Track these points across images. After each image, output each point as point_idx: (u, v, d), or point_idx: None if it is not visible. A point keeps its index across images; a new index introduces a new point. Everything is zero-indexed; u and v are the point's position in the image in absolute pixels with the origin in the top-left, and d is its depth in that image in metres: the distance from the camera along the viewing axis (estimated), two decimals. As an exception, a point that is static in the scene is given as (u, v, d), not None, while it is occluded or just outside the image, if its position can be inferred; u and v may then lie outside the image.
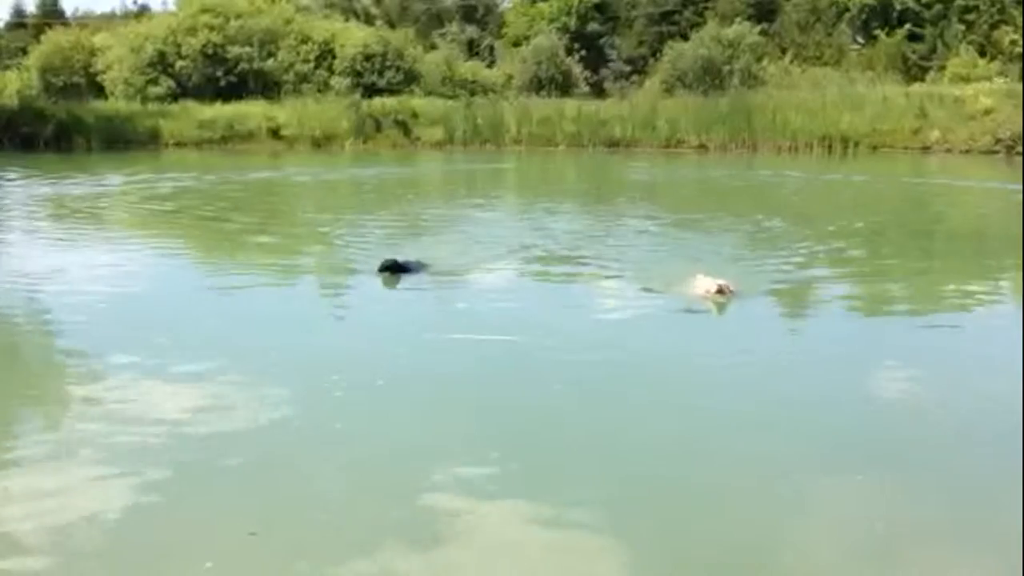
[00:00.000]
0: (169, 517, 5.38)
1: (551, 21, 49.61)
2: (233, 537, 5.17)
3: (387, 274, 10.85)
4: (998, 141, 31.02)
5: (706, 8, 47.87)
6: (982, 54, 40.18)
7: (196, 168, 28.83)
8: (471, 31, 52.88)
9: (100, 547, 5.04)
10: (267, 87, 39.88)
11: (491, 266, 12.21)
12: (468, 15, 54.98)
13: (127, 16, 53.68)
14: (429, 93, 39.62)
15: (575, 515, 5.35)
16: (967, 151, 31.43)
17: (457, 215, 18.04)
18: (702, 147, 33.94)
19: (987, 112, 32.10)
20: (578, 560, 4.93)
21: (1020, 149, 29.95)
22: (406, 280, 10.82)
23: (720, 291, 9.67)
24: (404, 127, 36.49)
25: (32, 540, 5.05)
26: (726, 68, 39.47)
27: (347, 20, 46.74)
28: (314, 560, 4.87)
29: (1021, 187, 20.17)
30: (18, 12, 57.79)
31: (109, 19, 54.72)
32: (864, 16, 45.02)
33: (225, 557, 4.96)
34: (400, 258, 11.16)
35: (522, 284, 11.62)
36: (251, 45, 40.53)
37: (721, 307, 9.68)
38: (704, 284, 9.91)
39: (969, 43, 41.32)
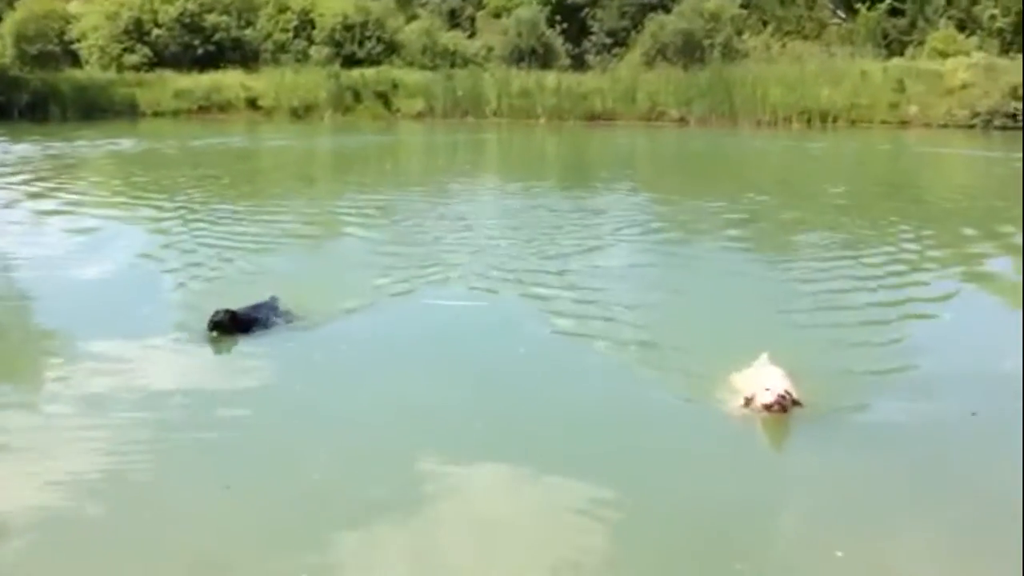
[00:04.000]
0: (149, 472, 5.56)
1: (533, -8, 49.15)
2: (210, 493, 5.33)
3: (217, 333, 7.76)
4: (976, 115, 31.16)
5: (688, -20, 47.54)
6: (961, 29, 40.20)
7: (148, 135, 28.82)
8: (452, 1, 52.39)
9: (79, 499, 5.25)
10: (245, 56, 39.44)
11: (400, 310, 8.99)
12: (449, -15, 54.39)
13: (103, -17, 52.64)
14: (409, 64, 39.29)
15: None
16: (944, 125, 31.57)
17: (410, 203, 15.97)
18: (682, 120, 33.95)
19: (964, 87, 32.20)
20: (563, 521, 5.05)
21: (997, 123, 30.22)
22: (246, 344, 7.74)
23: (778, 404, 6.03)
24: (384, 98, 36.25)
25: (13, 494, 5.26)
26: (707, 41, 39.33)
27: (327, -11, 46.15)
28: (298, 521, 5.01)
29: (1022, 156, 20.28)
30: (-9, -21, 56.70)
31: (84, -14, 53.72)
32: (846, -11, 44.90)
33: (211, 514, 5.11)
34: (242, 307, 8.05)
35: (438, 359, 7.62)
36: (229, 14, 40.03)
37: (776, 434, 6.09)
38: (752, 384, 6.27)
39: (949, 18, 41.33)
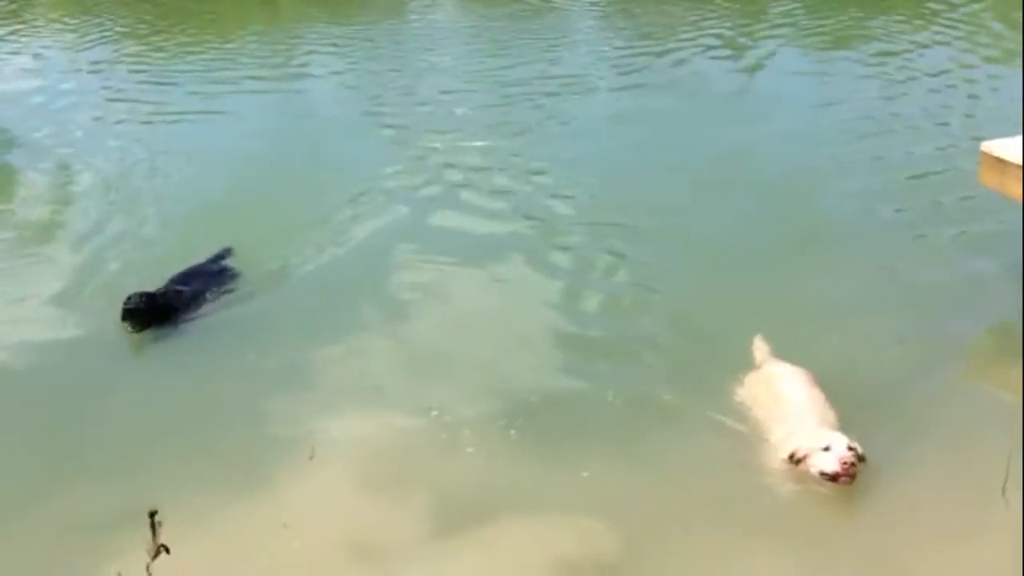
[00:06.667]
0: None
1: None
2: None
3: (133, 325, 5.88)
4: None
5: None
6: None
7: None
8: None
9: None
10: None
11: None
12: None
13: None
14: None
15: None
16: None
17: (375, 43, 12.95)
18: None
19: None
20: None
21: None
22: (166, 342, 5.90)
23: (846, 472, 4.03)
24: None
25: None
26: None
27: None
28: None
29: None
30: None
31: None
32: None
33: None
34: (174, 275, 6.38)
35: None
36: None
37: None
38: (808, 445, 4.16)
39: None
